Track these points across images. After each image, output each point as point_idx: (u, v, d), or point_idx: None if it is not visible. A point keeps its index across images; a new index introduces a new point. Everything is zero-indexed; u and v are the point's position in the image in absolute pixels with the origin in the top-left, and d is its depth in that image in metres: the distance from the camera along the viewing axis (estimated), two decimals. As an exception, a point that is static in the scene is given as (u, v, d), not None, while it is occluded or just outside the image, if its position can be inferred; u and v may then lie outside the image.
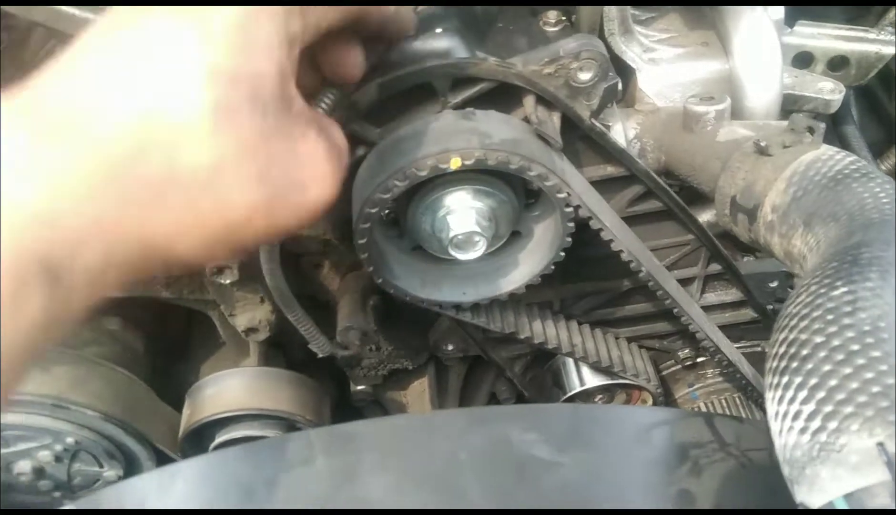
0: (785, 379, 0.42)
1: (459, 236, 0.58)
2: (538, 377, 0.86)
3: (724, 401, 0.91)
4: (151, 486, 0.47)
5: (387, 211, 0.63)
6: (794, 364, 0.42)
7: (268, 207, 0.38)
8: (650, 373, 0.81)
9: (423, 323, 0.81)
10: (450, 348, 0.81)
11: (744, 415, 0.86)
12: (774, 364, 0.44)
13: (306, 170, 0.40)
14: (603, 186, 0.66)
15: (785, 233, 0.56)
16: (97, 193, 0.33)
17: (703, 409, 0.91)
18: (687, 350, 0.87)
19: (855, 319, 0.42)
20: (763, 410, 0.89)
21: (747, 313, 0.83)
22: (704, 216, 0.78)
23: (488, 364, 0.89)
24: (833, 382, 0.40)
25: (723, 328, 0.82)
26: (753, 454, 0.48)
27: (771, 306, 0.85)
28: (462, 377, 0.91)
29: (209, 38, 0.36)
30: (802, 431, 0.40)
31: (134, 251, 0.36)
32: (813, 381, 0.41)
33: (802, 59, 0.82)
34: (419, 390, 0.91)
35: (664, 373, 0.91)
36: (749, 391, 0.86)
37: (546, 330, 0.74)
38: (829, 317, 0.43)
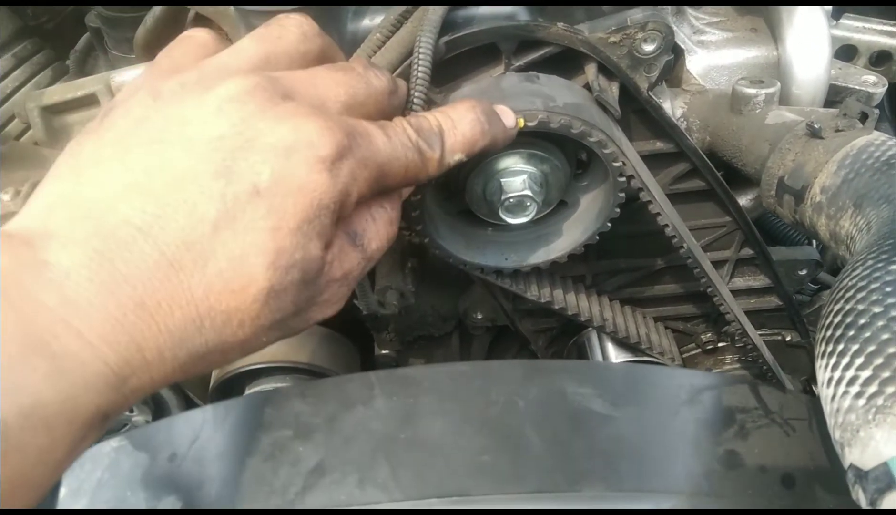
0: (841, 347, 0.43)
1: (511, 200, 0.59)
2: (561, 351, 0.87)
3: (740, 388, 0.92)
4: (206, 418, 0.48)
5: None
6: (851, 332, 0.43)
7: (277, 339, 0.43)
8: (675, 353, 0.82)
9: (454, 290, 0.82)
10: (479, 316, 0.82)
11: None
12: (829, 333, 0.45)
13: (318, 308, 0.44)
14: (650, 160, 0.66)
15: (833, 214, 0.57)
16: (157, 363, 0.37)
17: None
18: (709, 334, 0.88)
19: None
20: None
21: (772, 301, 0.84)
22: (741, 200, 0.79)
23: (512, 336, 0.90)
24: (891, 349, 0.41)
25: (747, 314, 0.83)
26: (796, 422, 0.49)
27: (796, 296, 0.87)
28: (486, 348, 0.92)
29: (280, 228, 0.39)
30: (858, 395, 0.41)
31: (161, 386, 0.40)
32: (871, 347, 0.42)
33: (846, 52, 0.82)
34: (442, 358, 0.92)
35: (684, 356, 0.92)
36: (767, 377, 0.87)
37: (579, 303, 0.75)
38: (888, 289, 0.44)
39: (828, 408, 0.43)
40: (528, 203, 0.60)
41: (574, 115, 0.55)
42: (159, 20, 1.01)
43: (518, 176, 0.59)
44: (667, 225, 0.65)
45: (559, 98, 0.55)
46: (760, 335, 0.88)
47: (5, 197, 0.73)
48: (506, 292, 0.73)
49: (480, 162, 0.59)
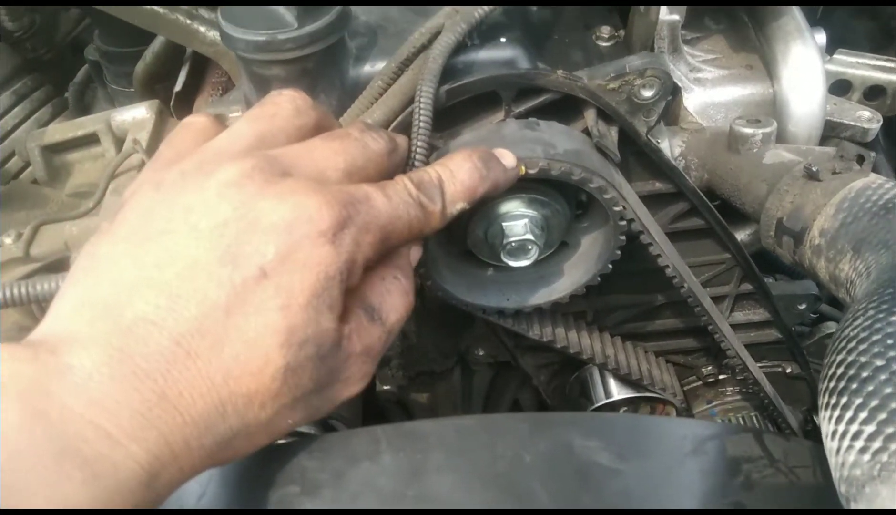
0: (844, 400, 0.44)
1: (513, 244, 0.59)
2: (562, 386, 0.87)
3: (741, 419, 0.92)
4: (213, 473, 0.48)
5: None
6: (854, 385, 0.44)
7: (305, 420, 0.44)
8: (676, 388, 0.82)
9: (456, 328, 0.82)
10: (481, 353, 0.82)
11: (762, 434, 0.88)
12: (832, 385, 0.45)
13: (342, 385, 0.45)
14: (650, 201, 0.67)
15: (832, 257, 0.57)
16: (185, 454, 0.38)
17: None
18: (710, 367, 0.88)
19: None
20: (779, 428, 0.91)
21: (771, 334, 0.85)
22: (739, 236, 0.79)
23: (513, 371, 0.90)
24: (895, 404, 0.41)
25: (747, 347, 0.83)
26: (800, 470, 0.49)
27: (795, 328, 0.87)
28: (487, 383, 0.92)
29: (290, 305, 0.40)
30: (863, 450, 0.41)
31: (191, 477, 0.41)
32: (874, 402, 0.42)
33: (840, 87, 0.83)
34: (445, 393, 0.92)
35: (685, 389, 0.92)
36: (769, 410, 0.87)
37: (581, 341, 0.75)
38: (890, 341, 0.44)
39: (832, 461, 0.43)
40: (530, 247, 0.60)
41: (574, 162, 0.55)
42: (158, 56, 1.02)
43: (519, 220, 0.59)
44: (667, 266, 0.65)
45: (559, 145, 0.56)
46: (761, 367, 0.88)
47: (7, 240, 0.73)
48: (507, 330, 0.73)
49: (482, 206, 0.60)
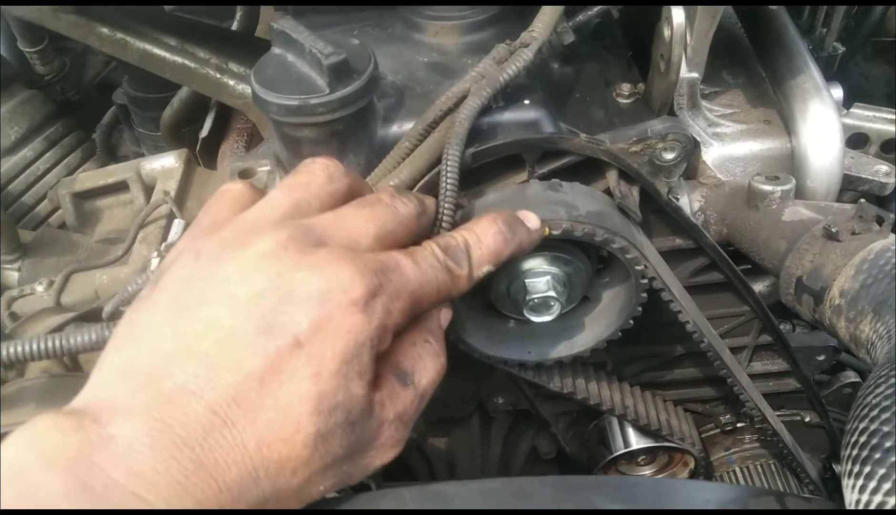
0: (867, 469, 0.44)
1: (536, 300, 0.61)
2: (581, 434, 0.88)
3: (759, 467, 0.92)
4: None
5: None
6: (878, 455, 0.44)
7: (336, 486, 0.45)
8: (695, 437, 0.82)
9: (475, 375, 0.83)
10: (500, 401, 0.83)
11: (779, 483, 0.88)
12: (855, 453, 0.46)
13: (375, 453, 0.46)
14: (670, 256, 0.68)
15: (853, 318, 0.58)
16: None
17: (740, 473, 0.92)
18: (728, 415, 0.88)
19: None
20: (798, 477, 0.90)
21: (790, 383, 0.85)
22: (757, 287, 0.80)
23: (531, 418, 0.90)
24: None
25: (765, 396, 0.83)
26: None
27: (815, 377, 0.87)
28: (506, 430, 0.92)
29: (320, 373, 0.41)
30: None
31: None
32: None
33: (857, 140, 0.84)
34: (463, 438, 0.93)
35: (703, 436, 0.92)
36: (787, 458, 0.87)
37: (601, 391, 0.75)
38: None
39: None
40: (552, 303, 0.61)
41: (597, 223, 0.57)
42: (185, 103, 1.04)
43: (542, 277, 0.60)
44: (687, 321, 0.66)
45: (582, 206, 0.57)
46: (779, 415, 0.88)
47: (39, 288, 0.75)
48: (527, 380, 0.74)
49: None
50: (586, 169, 0.61)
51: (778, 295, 0.80)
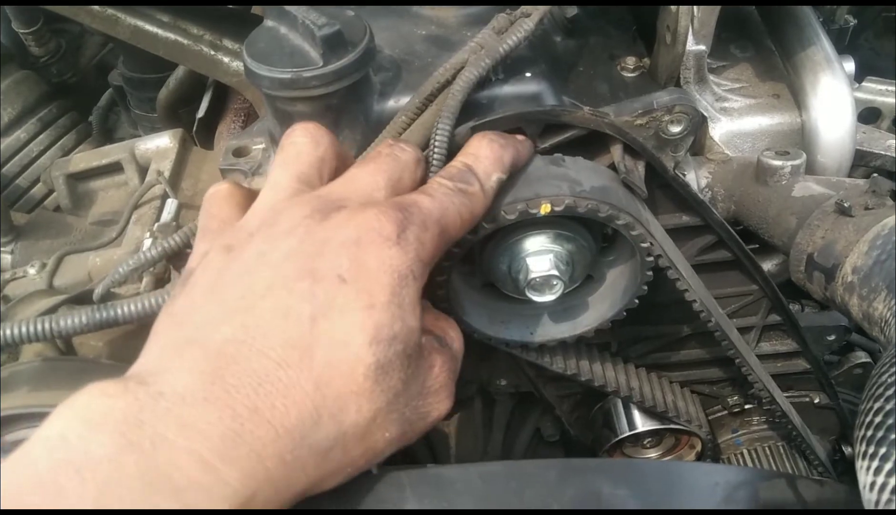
0: (883, 450, 0.42)
1: (537, 279, 0.59)
2: (586, 416, 0.86)
3: (768, 449, 0.91)
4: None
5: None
6: (893, 436, 0.42)
7: (400, 439, 0.44)
8: (702, 419, 0.81)
9: (476, 356, 0.81)
10: (503, 383, 0.81)
11: (788, 465, 0.86)
12: (869, 433, 0.44)
13: (432, 399, 0.46)
14: (676, 233, 0.66)
15: (866, 296, 0.56)
16: (280, 472, 0.38)
17: (747, 456, 0.91)
18: (736, 397, 0.87)
19: None
20: (807, 459, 0.89)
21: (799, 364, 0.83)
22: (766, 266, 0.78)
23: (535, 400, 0.89)
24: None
25: (774, 377, 0.82)
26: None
27: (824, 357, 0.86)
28: (509, 412, 0.91)
29: (373, 305, 0.41)
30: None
31: (288, 500, 0.40)
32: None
33: (869, 115, 0.82)
34: (465, 421, 0.91)
35: (710, 418, 0.91)
36: (796, 440, 0.85)
37: (605, 373, 0.74)
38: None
39: None
40: (555, 282, 0.59)
41: (601, 199, 0.55)
42: (181, 83, 1.03)
43: (544, 256, 0.59)
44: (694, 300, 0.64)
45: (585, 182, 0.55)
46: (788, 396, 0.87)
47: (31, 271, 0.74)
48: (530, 361, 0.73)
49: (506, 241, 0.59)
50: (590, 144, 0.59)
51: (787, 274, 0.78)
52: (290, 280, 0.41)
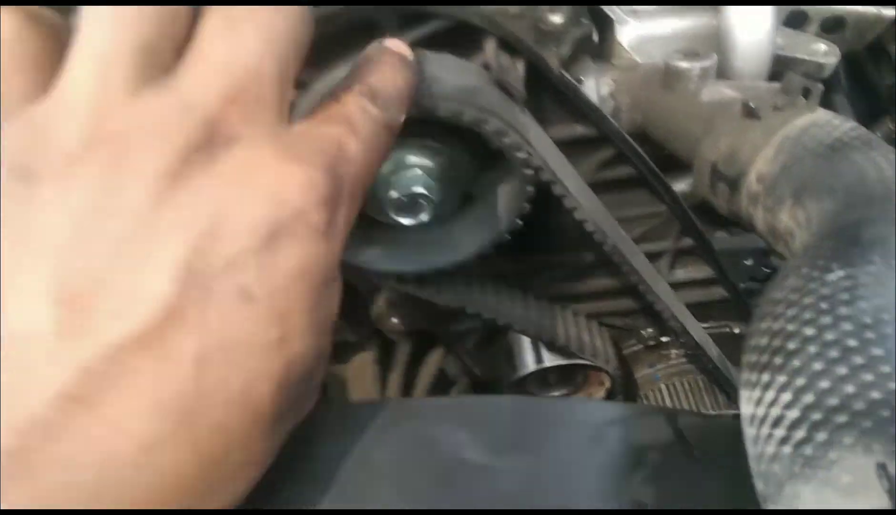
0: (766, 377, 0.36)
1: (402, 199, 0.51)
2: (490, 354, 0.80)
3: (686, 383, 0.86)
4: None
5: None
6: (778, 360, 0.36)
7: None
8: (609, 354, 0.75)
9: (361, 293, 0.74)
10: (394, 321, 0.74)
11: (707, 400, 0.81)
12: (753, 358, 0.38)
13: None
14: (571, 147, 0.58)
15: (771, 207, 0.49)
16: None
17: (665, 391, 0.86)
18: (651, 330, 0.81)
19: (853, 309, 0.35)
20: (728, 394, 0.84)
21: (717, 292, 0.78)
22: (677, 187, 0.71)
23: (436, 339, 0.82)
24: (825, 384, 0.33)
25: (691, 306, 0.76)
26: (721, 457, 0.41)
27: (744, 285, 0.80)
28: (409, 353, 0.84)
29: (287, 336, 0.28)
30: (783, 441, 0.34)
31: None
32: (800, 381, 0.34)
33: (796, 19, 0.74)
34: (362, 365, 0.84)
35: (626, 352, 0.85)
36: (715, 374, 0.80)
37: (499, 305, 0.67)
38: (823, 305, 0.36)
39: (751, 452, 0.36)
40: (423, 202, 0.51)
41: (465, 100, 0.46)
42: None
43: (409, 171, 0.51)
44: (585, 220, 0.57)
45: (448, 80, 0.47)
46: (707, 328, 0.81)
47: None
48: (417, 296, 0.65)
49: None
50: (459, 39, 0.50)
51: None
52: (158, 291, 0.26)
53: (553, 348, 0.72)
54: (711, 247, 0.70)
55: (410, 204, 0.51)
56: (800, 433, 0.33)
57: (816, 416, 0.33)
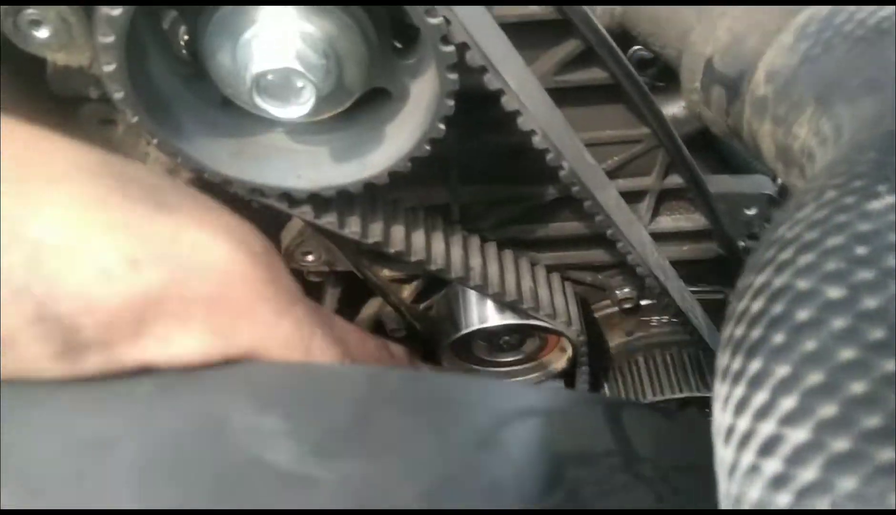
0: (755, 366, 0.22)
1: (269, 75, 0.36)
2: (431, 307, 0.66)
3: (669, 357, 0.72)
4: None
5: (185, 39, 0.41)
6: (778, 339, 0.22)
7: None
8: (573, 315, 0.61)
9: (272, 219, 0.59)
10: (309, 258, 0.60)
11: (692, 380, 0.67)
12: (738, 333, 0.24)
13: None
14: (524, 34, 0.43)
15: (783, 116, 0.35)
16: None
17: (643, 365, 0.72)
18: (627, 289, 0.67)
19: None
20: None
21: (711, 248, 0.63)
22: (671, 109, 0.56)
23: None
24: (854, 387, 0.20)
25: (677, 263, 0.62)
26: (681, 480, 0.27)
27: (743, 243, 0.65)
28: (338, 298, 0.70)
29: None
30: (778, 483, 0.20)
31: None
32: (814, 378, 0.20)
33: None
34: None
35: (598, 315, 0.71)
36: (703, 349, 0.67)
37: (432, 245, 0.52)
38: (860, 250, 0.22)
39: (722, 487, 0.22)
40: (301, 83, 0.37)
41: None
42: None
43: (280, 38, 0.36)
44: (533, 132, 0.42)
45: None
46: (696, 292, 0.67)
47: None
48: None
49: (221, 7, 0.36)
50: None
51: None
52: None
53: (502, 304, 0.58)
54: (706, 188, 0.55)
55: (283, 86, 0.37)
56: (806, 475, 0.19)
57: (838, 445, 0.19)
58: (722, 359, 0.24)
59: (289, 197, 0.45)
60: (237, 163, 0.43)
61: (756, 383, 0.22)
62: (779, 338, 0.21)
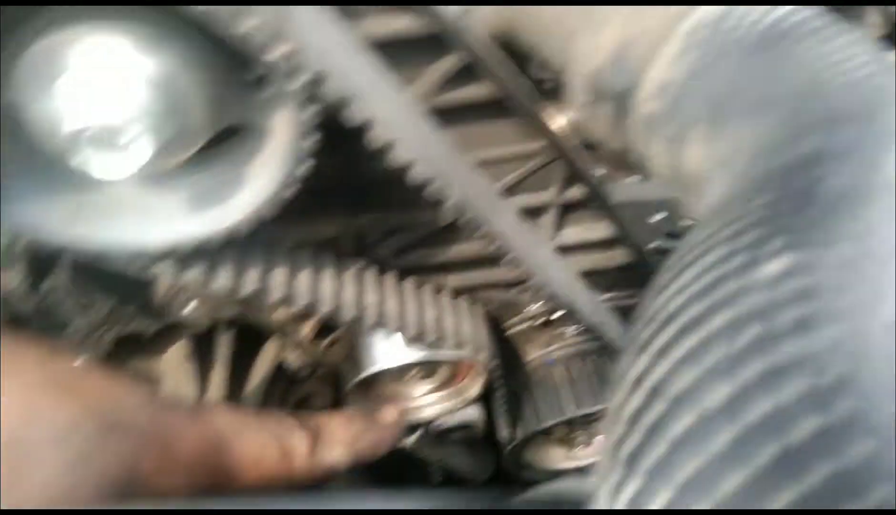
0: (631, 444, 0.19)
1: (88, 129, 0.31)
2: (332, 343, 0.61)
3: (589, 366, 0.69)
4: None
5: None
6: (659, 450, 0.18)
7: None
8: (482, 340, 0.57)
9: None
10: (188, 309, 0.54)
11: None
12: (618, 431, 0.20)
13: None
14: (399, 51, 0.39)
15: (674, 134, 0.32)
16: None
17: (565, 375, 0.69)
18: (540, 304, 0.63)
19: (809, 341, 0.18)
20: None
21: (620, 255, 0.61)
22: (561, 119, 0.53)
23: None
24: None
25: (587, 273, 0.59)
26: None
27: (654, 245, 0.63)
28: (233, 342, 0.64)
29: None
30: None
31: None
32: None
33: None
34: (177, 359, 0.64)
35: (512, 331, 0.68)
36: (617, 357, 0.64)
37: (318, 285, 0.48)
38: (749, 334, 0.18)
39: None
40: (132, 134, 0.31)
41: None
42: None
43: (100, 74, 0.30)
44: (410, 165, 0.38)
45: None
46: (610, 299, 0.65)
47: None
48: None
49: (19, 31, 0.31)
50: None
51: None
52: None
53: (405, 339, 0.53)
54: (605, 198, 0.53)
55: (107, 139, 0.31)
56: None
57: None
58: (608, 425, 0.20)
59: (139, 259, 0.39)
60: (70, 223, 0.37)
61: (630, 466, 0.18)
62: (659, 450, 0.17)
